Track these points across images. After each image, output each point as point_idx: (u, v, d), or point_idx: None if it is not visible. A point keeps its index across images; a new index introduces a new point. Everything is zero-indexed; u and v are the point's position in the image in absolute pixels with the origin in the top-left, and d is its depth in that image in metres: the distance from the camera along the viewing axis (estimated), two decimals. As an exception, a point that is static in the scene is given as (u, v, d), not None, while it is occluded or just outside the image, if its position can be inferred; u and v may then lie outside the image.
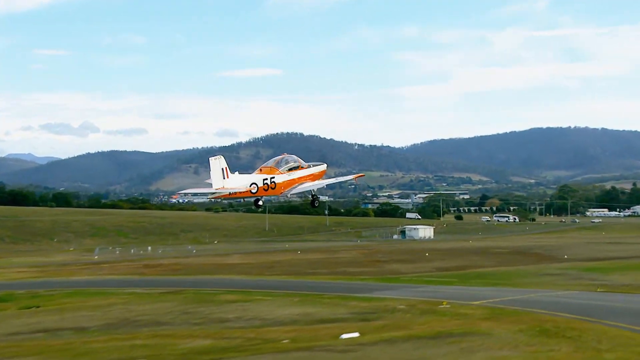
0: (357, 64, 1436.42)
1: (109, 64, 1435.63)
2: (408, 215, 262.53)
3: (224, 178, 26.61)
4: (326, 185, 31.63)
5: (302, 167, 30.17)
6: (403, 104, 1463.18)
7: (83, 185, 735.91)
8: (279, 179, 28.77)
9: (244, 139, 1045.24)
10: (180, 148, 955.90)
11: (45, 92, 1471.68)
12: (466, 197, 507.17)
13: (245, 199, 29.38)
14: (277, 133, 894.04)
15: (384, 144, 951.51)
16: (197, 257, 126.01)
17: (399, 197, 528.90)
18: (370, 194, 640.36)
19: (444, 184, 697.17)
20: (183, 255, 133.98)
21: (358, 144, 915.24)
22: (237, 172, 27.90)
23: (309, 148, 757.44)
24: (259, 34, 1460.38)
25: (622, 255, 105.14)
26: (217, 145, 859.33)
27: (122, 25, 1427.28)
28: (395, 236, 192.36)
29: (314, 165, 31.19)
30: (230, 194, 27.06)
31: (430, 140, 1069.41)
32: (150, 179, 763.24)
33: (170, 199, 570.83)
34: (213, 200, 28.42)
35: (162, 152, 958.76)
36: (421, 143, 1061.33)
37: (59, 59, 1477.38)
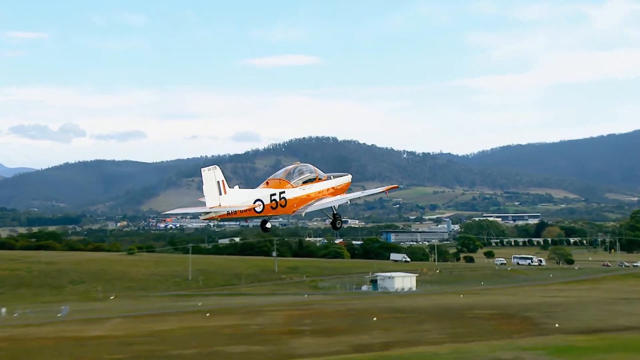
0: (413, 49, 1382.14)
1: (100, 49, 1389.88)
2: (393, 256, 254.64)
3: (221, 194, 27.08)
4: (350, 200, 32.77)
5: (320, 179, 31.24)
6: (471, 99, 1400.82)
7: (58, 204, 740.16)
8: (291, 194, 29.58)
9: (264, 144, 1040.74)
10: (184, 157, 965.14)
11: (19, 85, 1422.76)
12: (521, 223, 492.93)
13: (249, 220, 31.04)
14: (304, 138, 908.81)
15: (443, 151, 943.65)
16: (54, 325, 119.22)
17: (448, 220, 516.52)
18: (413, 217, 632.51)
19: (516, 203, 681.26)
20: (41, 320, 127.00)
21: (407, 152, 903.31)
22: (237, 187, 28.63)
23: (344, 157, 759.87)
24: (289, 13, 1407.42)
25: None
26: (231, 153, 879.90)
27: (117, 0, 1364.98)
28: (364, 287, 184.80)
29: (335, 177, 32.32)
30: (228, 213, 27.62)
31: (503, 147, 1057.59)
32: (142, 197, 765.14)
33: (159, 224, 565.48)
34: (208, 221, 31.38)
35: (161, 163, 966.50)
36: (491, 150, 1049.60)
37: (38, 44, 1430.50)
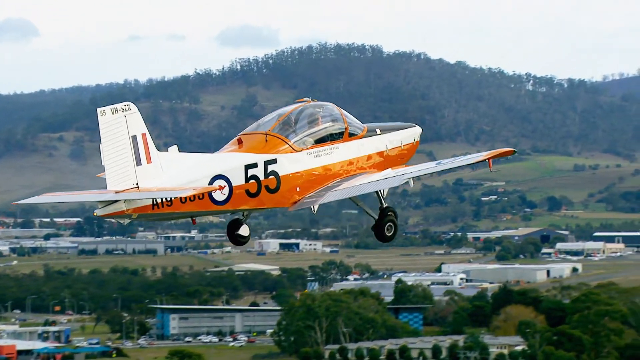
0: None
1: None
2: None
3: (140, 163, 16.75)
4: (417, 176, 19.31)
5: (352, 134, 19.34)
6: None
7: None
8: (290, 164, 18.20)
9: (275, 49, 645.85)
10: (89, 82, 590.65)
11: None
12: None
13: (199, 218, 19.92)
14: (309, 47, 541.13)
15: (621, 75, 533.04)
16: None
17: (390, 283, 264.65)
18: (492, 228, 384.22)
19: None
20: None
21: (535, 78, 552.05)
22: (175, 147, 18.27)
23: (395, 88, 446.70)
24: None
25: None
26: (210, 68, 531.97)
27: None
28: None
29: (385, 129, 20.78)
30: (155, 205, 17.05)
31: None
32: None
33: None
34: (111, 220, 18.30)
35: (30, 95, 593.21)
36: None
37: None
